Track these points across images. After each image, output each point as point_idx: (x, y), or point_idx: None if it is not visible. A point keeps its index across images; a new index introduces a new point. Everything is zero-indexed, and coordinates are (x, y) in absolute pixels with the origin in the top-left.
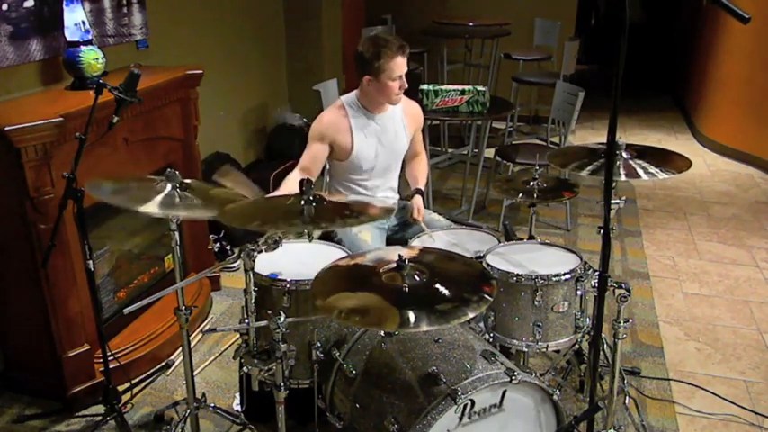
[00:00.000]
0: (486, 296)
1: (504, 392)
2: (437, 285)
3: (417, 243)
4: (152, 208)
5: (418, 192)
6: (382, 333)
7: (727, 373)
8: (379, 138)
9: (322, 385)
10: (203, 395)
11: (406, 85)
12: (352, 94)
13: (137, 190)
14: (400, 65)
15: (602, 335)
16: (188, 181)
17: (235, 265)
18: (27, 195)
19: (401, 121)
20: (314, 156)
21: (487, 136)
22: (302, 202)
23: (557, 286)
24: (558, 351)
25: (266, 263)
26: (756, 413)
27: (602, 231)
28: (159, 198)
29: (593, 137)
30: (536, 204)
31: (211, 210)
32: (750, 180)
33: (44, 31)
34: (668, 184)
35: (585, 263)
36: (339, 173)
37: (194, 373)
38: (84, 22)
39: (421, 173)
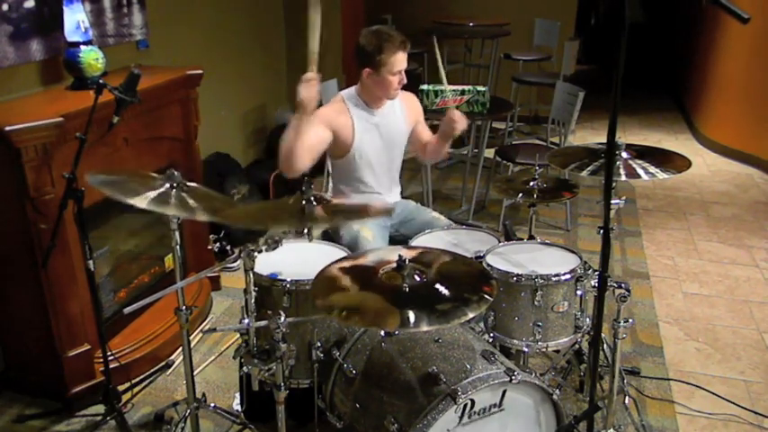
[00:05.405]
0: (486, 296)
1: (504, 392)
2: (437, 285)
3: (419, 242)
4: (143, 202)
5: None
6: (382, 333)
7: (727, 373)
8: (380, 132)
9: (322, 385)
10: (203, 395)
11: (405, 81)
12: (352, 89)
13: (133, 184)
14: (401, 60)
15: (602, 335)
16: (191, 184)
17: (235, 265)
18: (27, 195)
19: (400, 112)
20: (317, 135)
21: (487, 136)
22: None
23: (557, 286)
24: (558, 351)
25: (266, 263)
26: (756, 413)
27: (602, 231)
28: (153, 194)
29: (593, 137)
30: (536, 204)
31: (206, 214)
32: (750, 180)
33: (44, 31)
34: (668, 184)
35: (585, 263)
36: (342, 172)
37: (194, 373)
38: (84, 22)
39: None
